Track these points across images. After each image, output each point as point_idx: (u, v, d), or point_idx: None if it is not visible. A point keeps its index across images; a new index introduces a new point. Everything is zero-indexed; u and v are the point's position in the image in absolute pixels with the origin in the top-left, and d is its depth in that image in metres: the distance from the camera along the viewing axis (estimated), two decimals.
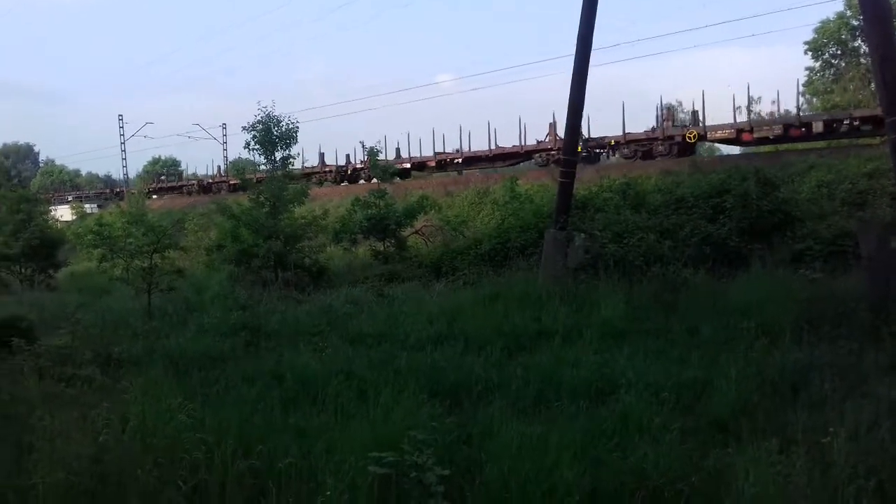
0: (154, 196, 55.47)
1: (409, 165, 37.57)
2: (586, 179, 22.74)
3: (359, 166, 39.27)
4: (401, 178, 35.44)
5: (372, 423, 6.52)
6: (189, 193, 50.74)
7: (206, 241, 27.41)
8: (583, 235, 16.07)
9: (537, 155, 31.39)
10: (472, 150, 35.42)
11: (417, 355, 9.88)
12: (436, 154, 36.49)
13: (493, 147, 34.00)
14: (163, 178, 58.02)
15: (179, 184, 55.18)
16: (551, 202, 18.94)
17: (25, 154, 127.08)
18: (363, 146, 24.14)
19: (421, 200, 22.93)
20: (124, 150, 69.32)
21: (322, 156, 44.86)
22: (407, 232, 22.99)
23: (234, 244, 20.72)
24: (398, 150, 38.74)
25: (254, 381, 8.89)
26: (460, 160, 35.16)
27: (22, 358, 9.29)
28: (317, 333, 12.12)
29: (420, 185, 33.29)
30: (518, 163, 34.70)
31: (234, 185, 43.36)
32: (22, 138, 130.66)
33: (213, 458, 5.63)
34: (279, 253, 19.66)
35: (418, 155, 37.76)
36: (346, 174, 41.41)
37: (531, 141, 32.94)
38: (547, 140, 31.47)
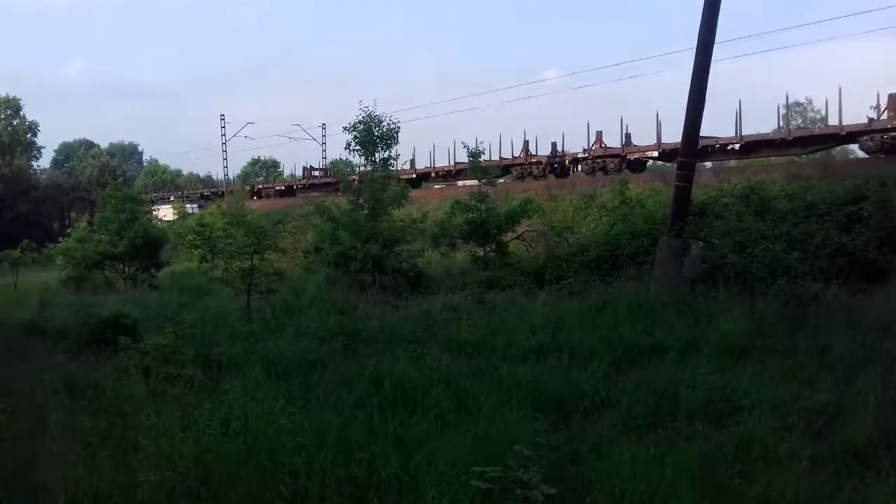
0: (306, 189, 55.03)
1: (656, 153, 31.48)
2: (703, 183, 22.09)
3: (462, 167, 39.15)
4: (632, 170, 31.58)
5: (473, 436, 6.55)
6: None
7: (304, 244, 28.30)
8: (700, 243, 15.59)
9: (865, 138, 24.75)
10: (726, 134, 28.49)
11: (520, 367, 9.85)
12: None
13: (784, 127, 27.77)
14: (315, 174, 57.08)
15: (335, 181, 54.62)
16: (664, 208, 18.48)
17: (130, 153, 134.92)
18: (466, 147, 24.27)
19: (524, 204, 22.87)
20: (225, 151, 72.42)
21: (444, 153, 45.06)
22: (508, 237, 22.96)
23: (333, 246, 21.30)
24: (629, 135, 33.36)
25: (352, 386, 9.10)
26: (737, 146, 28.67)
27: (127, 356, 9.89)
28: (414, 340, 12.30)
29: (522, 189, 33.18)
30: (823, 149, 28.53)
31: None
32: (127, 138, 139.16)
33: (313, 465, 5.80)
34: (377, 256, 20.07)
35: (650, 142, 31.78)
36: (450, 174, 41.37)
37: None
38: (884, 117, 24.79)
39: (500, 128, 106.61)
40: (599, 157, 33.52)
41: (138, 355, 9.18)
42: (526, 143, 37.72)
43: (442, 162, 43.84)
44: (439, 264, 23.42)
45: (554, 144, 36.52)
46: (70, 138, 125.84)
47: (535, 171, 36.04)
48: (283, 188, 58.70)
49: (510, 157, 37.89)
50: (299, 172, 61.71)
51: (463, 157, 39.48)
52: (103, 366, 10.55)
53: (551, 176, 35.48)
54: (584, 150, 34.37)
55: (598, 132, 34.44)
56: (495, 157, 36.54)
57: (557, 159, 35.87)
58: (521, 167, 36.52)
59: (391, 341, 12.25)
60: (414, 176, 42.52)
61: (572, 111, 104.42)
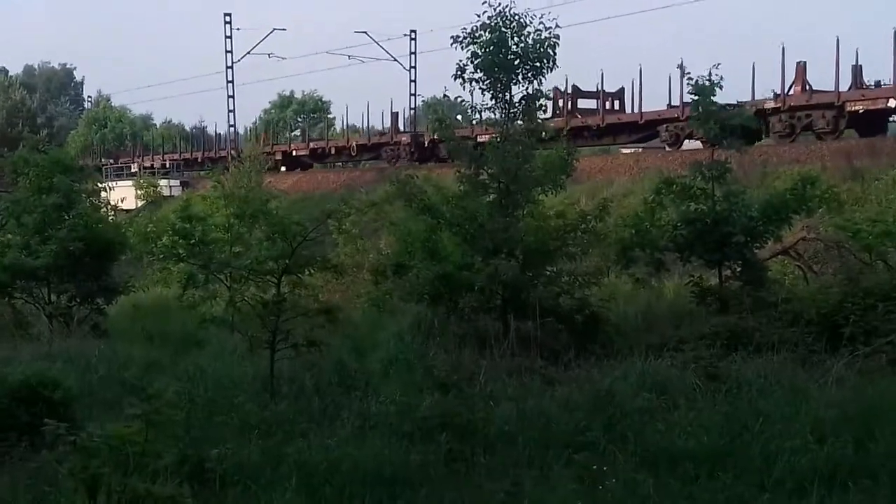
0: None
1: None
2: None
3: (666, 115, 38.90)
4: None
5: None
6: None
7: (375, 256, 28.64)
8: None
9: None
10: None
11: None
12: None
13: None
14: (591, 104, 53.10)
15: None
16: None
17: (61, 84, 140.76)
18: (687, 76, 23.91)
19: (800, 187, 22.41)
20: (232, 81, 73.49)
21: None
22: (767, 251, 22.58)
23: (428, 264, 21.46)
24: None
25: None
26: None
27: (57, 456, 10.22)
28: (585, 445, 12.33)
29: (795, 157, 32.67)
30: None
31: None
32: (55, 57, 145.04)
33: None
34: (513, 283, 20.08)
35: None
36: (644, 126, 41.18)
37: None
38: None
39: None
40: None
41: (79, 456, 9.46)
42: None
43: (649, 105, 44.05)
44: (631, 300, 23.25)
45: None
46: None
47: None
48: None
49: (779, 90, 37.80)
50: (373, 122, 63.10)
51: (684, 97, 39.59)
52: (13, 473, 10.94)
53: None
54: None
55: None
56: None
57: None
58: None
59: (539, 446, 12.31)
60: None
61: None
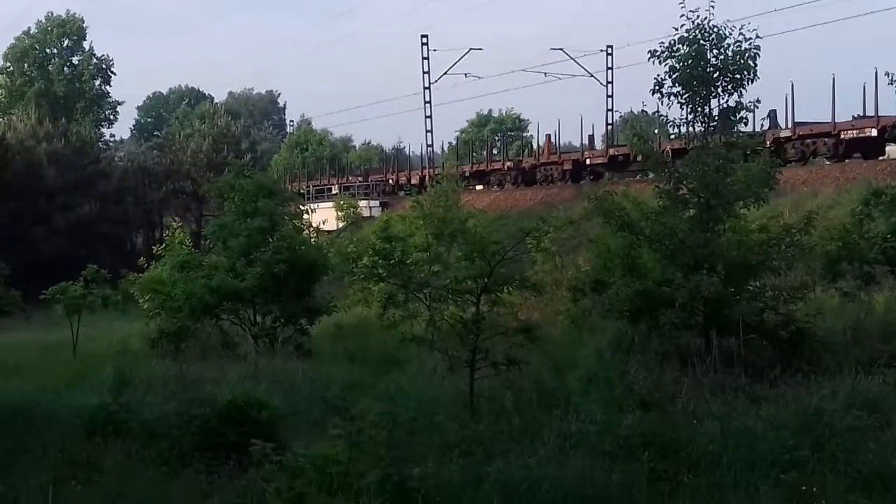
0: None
1: None
2: None
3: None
4: None
5: None
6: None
7: (573, 274, 28.51)
8: None
9: None
10: None
11: None
12: None
13: None
14: None
15: None
16: None
17: (264, 109, 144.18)
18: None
19: None
20: (429, 101, 73.75)
21: None
22: None
23: (628, 280, 21.25)
24: None
25: None
26: None
27: (264, 474, 10.41)
28: (793, 465, 12.13)
29: None
30: None
31: None
32: (259, 84, 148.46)
33: None
34: (715, 299, 19.77)
35: None
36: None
37: None
38: None
39: None
40: None
41: (284, 476, 9.61)
42: None
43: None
44: (839, 315, 22.69)
45: None
46: (163, 86, 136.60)
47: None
48: None
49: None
50: (565, 138, 62.52)
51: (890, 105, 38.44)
52: (223, 492, 11.17)
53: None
54: None
55: None
56: None
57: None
58: None
59: (745, 466, 12.12)
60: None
61: None
